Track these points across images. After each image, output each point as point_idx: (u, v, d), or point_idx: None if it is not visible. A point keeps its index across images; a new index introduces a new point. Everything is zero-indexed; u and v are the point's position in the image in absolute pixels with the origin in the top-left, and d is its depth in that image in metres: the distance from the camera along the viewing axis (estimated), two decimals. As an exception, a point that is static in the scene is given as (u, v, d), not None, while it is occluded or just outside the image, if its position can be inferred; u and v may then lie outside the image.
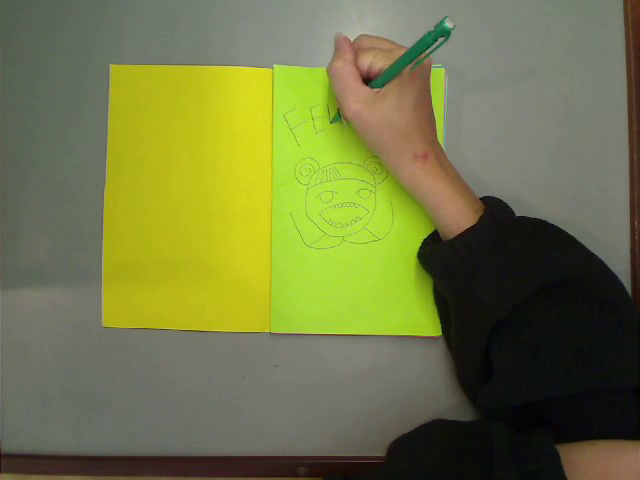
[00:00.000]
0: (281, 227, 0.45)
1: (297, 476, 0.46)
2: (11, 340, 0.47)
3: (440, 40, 0.33)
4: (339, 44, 0.40)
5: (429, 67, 0.40)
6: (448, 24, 0.32)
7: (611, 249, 0.41)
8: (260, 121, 0.46)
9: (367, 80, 0.40)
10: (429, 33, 0.33)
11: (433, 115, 0.42)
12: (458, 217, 0.39)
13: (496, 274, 0.38)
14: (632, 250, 0.45)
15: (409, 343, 0.46)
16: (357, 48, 0.40)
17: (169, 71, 0.46)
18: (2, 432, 0.47)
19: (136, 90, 0.46)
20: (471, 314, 0.39)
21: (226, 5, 0.46)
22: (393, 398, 0.46)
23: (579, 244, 0.41)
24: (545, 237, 0.41)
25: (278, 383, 0.46)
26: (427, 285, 0.45)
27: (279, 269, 0.45)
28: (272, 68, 0.45)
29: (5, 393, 0.47)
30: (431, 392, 0.46)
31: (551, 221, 0.43)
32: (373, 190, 0.46)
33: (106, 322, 0.46)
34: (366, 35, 0.41)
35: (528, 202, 0.44)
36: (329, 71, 0.40)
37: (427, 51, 0.35)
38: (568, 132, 0.46)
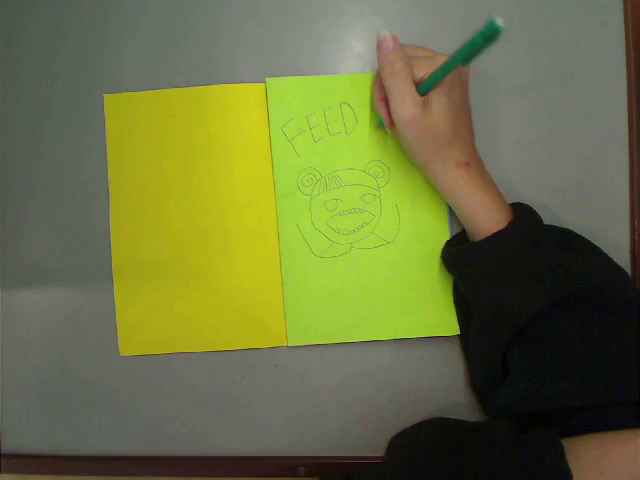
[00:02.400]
0: (288, 239, 0.45)
1: (297, 476, 0.46)
2: (11, 340, 0.47)
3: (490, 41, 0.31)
4: (388, 45, 0.39)
5: (467, 74, 0.40)
6: (499, 22, 0.30)
7: (611, 249, 0.41)
8: (258, 136, 0.46)
9: None
10: (479, 34, 0.31)
11: (472, 122, 0.41)
12: (492, 226, 0.39)
13: (522, 278, 0.38)
14: (632, 250, 0.45)
15: (410, 343, 0.46)
16: None
17: (163, 95, 0.46)
18: (2, 432, 0.47)
19: (132, 116, 0.46)
20: (494, 317, 0.39)
21: (225, 16, 0.46)
22: (393, 398, 0.46)
23: (606, 255, 0.40)
24: (572, 246, 0.41)
25: (278, 383, 0.46)
26: (439, 285, 0.45)
27: (290, 282, 0.45)
28: (265, 82, 0.45)
29: (5, 393, 0.47)
30: (432, 392, 0.46)
31: (551, 220, 0.44)
32: (377, 194, 0.46)
33: (122, 351, 0.46)
34: (408, 46, 0.40)
35: (528, 202, 0.44)
36: (386, 69, 0.38)
37: (475, 54, 0.33)
38: (568, 132, 0.46)
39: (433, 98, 0.38)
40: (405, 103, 0.38)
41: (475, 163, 0.40)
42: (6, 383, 0.47)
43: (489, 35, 0.31)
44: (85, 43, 0.47)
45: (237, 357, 0.46)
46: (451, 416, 0.44)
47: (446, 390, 0.46)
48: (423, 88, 0.38)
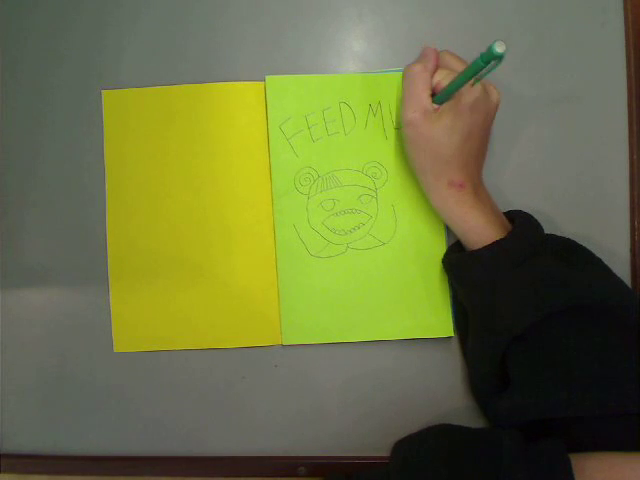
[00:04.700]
0: (285, 238, 0.45)
1: (297, 476, 0.46)
2: (11, 340, 0.47)
3: (492, 64, 0.33)
4: (426, 52, 0.41)
5: (496, 104, 0.40)
6: (498, 49, 0.31)
7: (611, 250, 0.41)
8: (256, 134, 0.46)
9: (433, 96, 0.40)
10: (481, 55, 0.33)
11: (485, 150, 0.41)
12: (486, 243, 0.39)
13: (518, 289, 0.37)
14: (632, 250, 0.45)
15: (411, 344, 0.46)
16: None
17: (161, 92, 0.46)
18: (2, 432, 0.47)
19: (130, 113, 0.46)
20: (490, 325, 0.39)
21: (223, 16, 0.46)
22: (394, 398, 0.46)
23: (607, 268, 0.40)
24: (572, 256, 0.40)
25: (278, 383, 0.46)
26: (434, 287, 0.45)
27: (286, 281, 0.45)
28: (264, 80, 0.45)
29: (5, 393, 0.47)
30: (432, 393, 0.46)
31: (551, 221, 0.44)
32: (374, 195, 0.46)
33: (117, 347, 0.46)
34: (450, 53, 0.41)
35: (527, 202, 0.44)
36: (405, 71, 0.40)
37: (480, 74, 0.35)
38: (568, 132, 0.46)
39: (444, 111, 0.38)
40: (409, 105, 0.39)
41: (471, 186, 0.40)
42: (6, 383, 0.47)
43: (488, 58, 0.32)
44: (84, 40, 0.47)
45: (237, 357, 0.46)
46: (451, 418, 0.44)
47: (446, 392, 0.46)
48: (438, 99, 0.39)
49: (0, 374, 0.47)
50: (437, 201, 0.41)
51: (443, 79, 0.39)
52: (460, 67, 0.40)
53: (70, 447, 0.47)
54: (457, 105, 0.38)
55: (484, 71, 0.34)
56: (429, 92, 0.39)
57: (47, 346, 0.47)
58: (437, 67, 0.40)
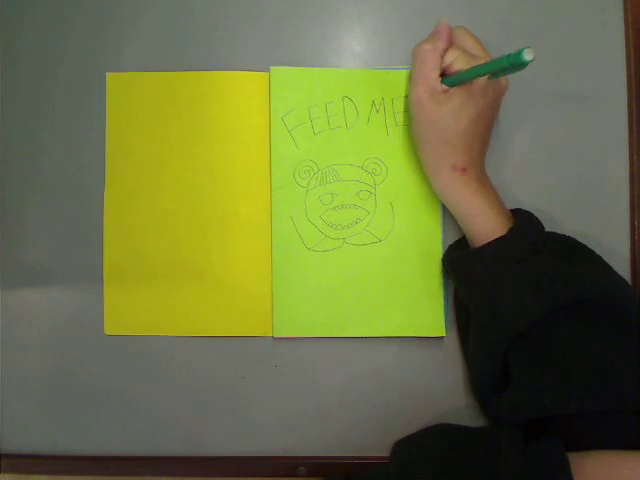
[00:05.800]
0: (281, 230, 0.45)
1: (297, 476, 0.46)
2: (11, 340, 0.47)
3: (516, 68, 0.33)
4: (439, 29, 0.40)
5: (505, 88, 0.40)
6: (526, 57, 0.31)
7: (611, 249, 0.41)
8: (258, 124, 0.46)
9: (443, 76, 0.40)
10: (508, 56, 0.32)
11: (490, 136, 0.41)
12: (490, 232, 0.39)
13: (520, 286, 0.37)
14: (632, 250, 0.45)
15: (410, 343, 0.46)
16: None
17: (166, 77, 0.46)
18: (2, 432, 0.47)
19: (133, 97, 0.46)
20: (492, 323, 0.39)
21: (226, 7, 0.46)
22: (394, 398, 0.46)
23: (607, 265, 0.40)
24: (573, 254, 0.41)
25: (278, 383, 0.46)
26: (429, 286, 0.45)
27: (280, 272, 0.45)
28: (269, 70, 0.45)
29: (5, 393, 0.47)
30: (432, 393, 0.46)
31: (550, 220, 0.44)
32: (373, 191, 0.46)
33: (108, 330, 0.46)
34: (465, 30, 0.41)
35: (527, 202, 0.44)
36: (414, 50, 0.40)
37: (500, 73, 0.35)
38: (568, 132, 0.46)
39: (453, 93, 0.38)
40: (418, 84, 0.39)
41: (474, 170, 0.40)
42: (6, 383, 0.47)
43: (515, 62, 0.32)
44: (88, 27, 0.47)
45: (237, 357, 0.46)
46: (451, 418, 0.44)
47: (446, 391, 0.46)
48: (449, 81, 0.39)
49: (0, 374, 0.47)
50: (440, 185, 0.41)
51: (454, 61, 0.39)
52: (473, 47, 0.40)
53: (70, 447, 0.47)
54: (468, 88, 0.38)
55: (506, 72, 0.34)
56: (438, 72, 0.39)
57: (47, 346, 0.47)
58: (449, 46, 0.40)
